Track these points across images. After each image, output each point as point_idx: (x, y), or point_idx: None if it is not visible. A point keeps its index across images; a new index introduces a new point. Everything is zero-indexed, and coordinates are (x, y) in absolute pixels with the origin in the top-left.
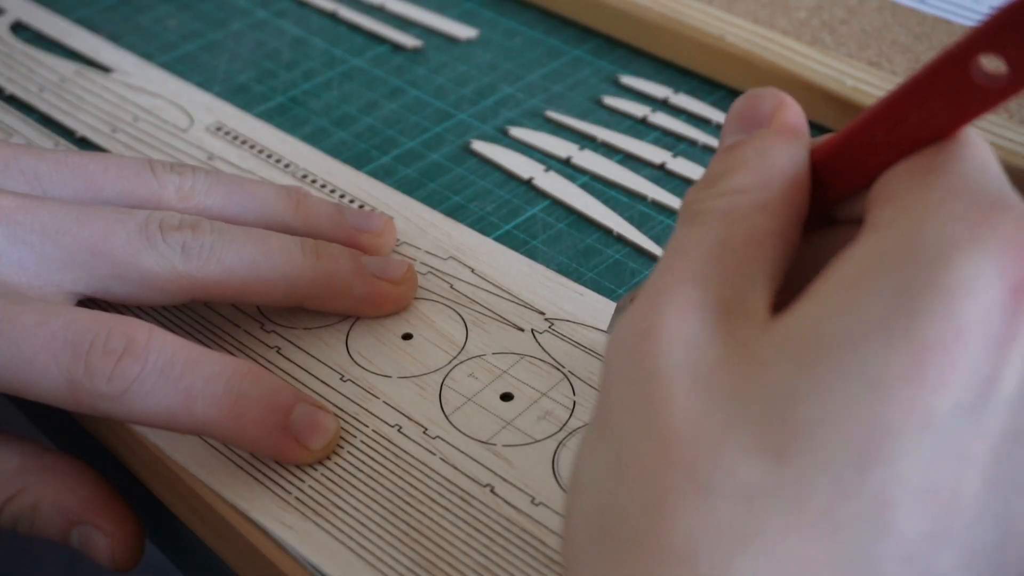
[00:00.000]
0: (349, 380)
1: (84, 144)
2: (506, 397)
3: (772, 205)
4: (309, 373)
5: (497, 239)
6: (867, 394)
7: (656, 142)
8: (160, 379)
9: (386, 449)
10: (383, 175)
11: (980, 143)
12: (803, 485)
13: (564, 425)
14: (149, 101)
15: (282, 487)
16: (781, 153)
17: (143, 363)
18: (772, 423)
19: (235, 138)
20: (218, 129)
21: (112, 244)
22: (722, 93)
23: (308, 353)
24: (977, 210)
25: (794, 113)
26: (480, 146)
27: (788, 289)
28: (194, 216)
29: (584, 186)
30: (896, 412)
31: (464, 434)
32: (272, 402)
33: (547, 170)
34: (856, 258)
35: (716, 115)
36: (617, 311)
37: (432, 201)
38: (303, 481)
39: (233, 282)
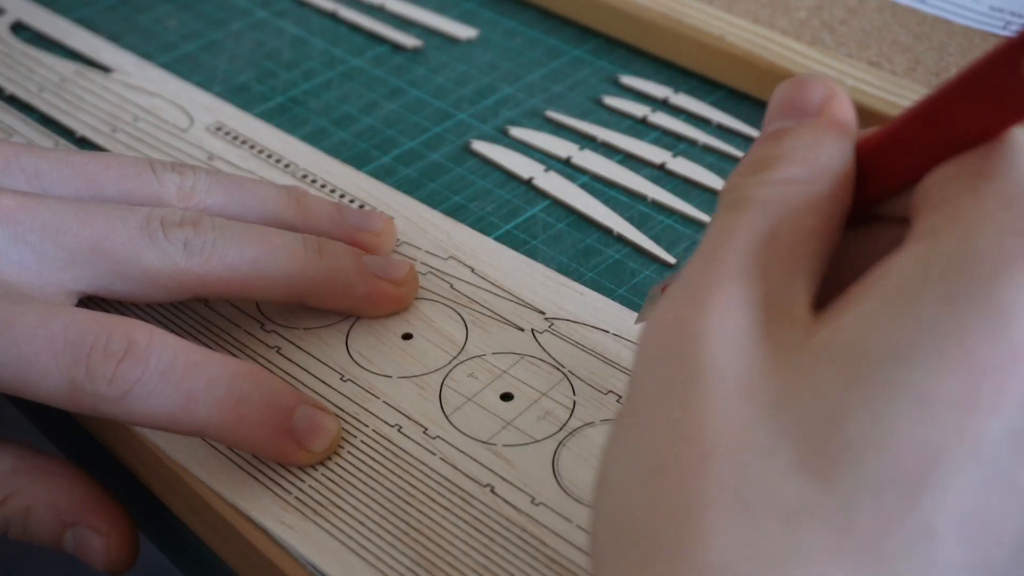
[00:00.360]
0: (349, 380)
1: (84, 144)
2: (506, 397)
3: (819, 201)
4: (309, 373)
5: (497, 239)
6: (916, 417)
7: (656, 142)
8: (161, 381)
9: (386, 449)
10: (383, 175)
11: None
12: (848, 509)
13: (564, 425)
14: (149, 101)
15: (282, 487)
16: (832, 148)
17: (144, 365)
18: (817, 441)
19: (235, 138)
20: (218, 129)
21: (113, 242)
22: (722, 93)
23: (308, 353)
24: None
25: (845, 107)
26: (480, 146)
27: (826, 288)
28: (196, 213)
29: (584, 186)
30: (947, 437)
31: (464, 434)
32: (273, 404)
33: (547, 170)
34: (904, 268)
35: (716, 115)
36: (649, 301)
37: (432, 201)
38: (303, 481)
39: (235, 279)
